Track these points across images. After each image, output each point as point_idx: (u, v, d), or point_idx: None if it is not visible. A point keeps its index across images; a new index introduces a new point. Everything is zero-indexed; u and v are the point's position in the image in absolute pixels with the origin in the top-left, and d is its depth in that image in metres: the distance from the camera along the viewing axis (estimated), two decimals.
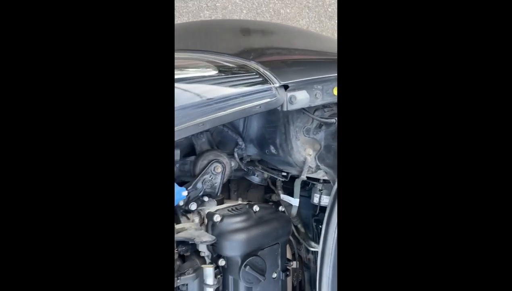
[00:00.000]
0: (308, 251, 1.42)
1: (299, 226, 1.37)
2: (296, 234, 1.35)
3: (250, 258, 0.94)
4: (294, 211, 1.24)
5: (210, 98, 0.68)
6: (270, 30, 1.38)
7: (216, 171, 0.99)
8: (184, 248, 0.96)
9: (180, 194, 0.86)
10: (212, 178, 1.00)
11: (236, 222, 1.01)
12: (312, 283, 1.48)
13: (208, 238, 0.91)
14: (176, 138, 0.66)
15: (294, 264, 1.34)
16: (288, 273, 1.12)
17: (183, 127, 0.66)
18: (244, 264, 0.92)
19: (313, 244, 1.35)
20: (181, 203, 0.99)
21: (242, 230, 0.99)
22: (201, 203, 1.04)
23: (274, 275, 1.06)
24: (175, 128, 0.65)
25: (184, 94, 0.68)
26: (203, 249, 0.99)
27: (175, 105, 0.65)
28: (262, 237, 1.01)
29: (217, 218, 0.95)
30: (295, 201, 1.23)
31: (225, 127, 1.06)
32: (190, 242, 0.98)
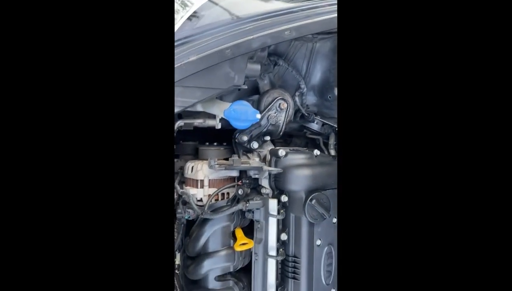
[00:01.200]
0: None
1: None
2: None
3: (316, 193, 0.92)
4: None
5: (298, 6, 0.66)
6: None
7: (282, 107, 0.98)
8: (247, 181, 0.96)
9: (254, 115, 0.86)
10: (276, 115, 0.99)
11: (300, 158, 0.99)
12: None
13: (275, 169, 0.90)
14: (261, 46, 0.66)
15: None
16: None
17: (268, 33, 0.65)
18: (310, 198, 0.90)
19: None
20: (245, 139, 0.99)
21: (306, 166, 0.97)
22: (262, 143, 1.04)
23: (335, 220, 1.04)
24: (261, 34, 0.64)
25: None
26: (266, 185, 0.98)
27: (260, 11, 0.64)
28: (326, 177, 0.99)
29: (281, 152, 0.94)
30: None
31: (290, 67, 1.05)
32: (253, 176, 0.98)
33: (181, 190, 0.95)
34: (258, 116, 0.88)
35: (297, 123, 1.27)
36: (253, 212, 0.90)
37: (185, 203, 1.00)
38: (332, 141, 1.31)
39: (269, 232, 0.92)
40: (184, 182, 1.02)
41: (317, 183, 0.97)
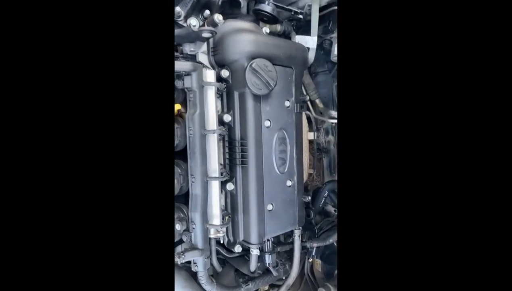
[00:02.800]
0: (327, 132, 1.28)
1: (317, 101, 1.22)
2: (311, 108, 1.20)
3: (258, 58, 0.80)
4: (311, 55, 1.08)
5: None
6: None
7: None
8: (181, 55, 0.83)
9: None
10: None
11: (241, 23, 0.86)
12: (332, 168, 1.34)
13: (208, 28, 0.77)
14: None
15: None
16: (303, 108, 0.97)
17: None
18: (251, 63, 0.78)
19: (332, 112, 1.20)
20: (177, 10, 0.86)
21: (248, 30, 0.85)
22: (203, 20, 0.91)
23: (287, 103, 0.92)
24: None
25: None
26: (204, 61, 0.86)
27: None
28: (272, 47, 0.86)
29: (218, 17, 0.81)
30: (312, 42, 1.07)
31: None
32: (190, 52, 0.85)
33: None
34: None
35: (249, 16, 1.14)
36: (183, 79, 0.78)
37: None
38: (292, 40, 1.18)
39: (207, 104, 0.80)
40: None
41: (261, 49, 0.84)
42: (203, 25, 0.88)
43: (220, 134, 0.83)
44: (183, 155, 0.85)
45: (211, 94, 0.80)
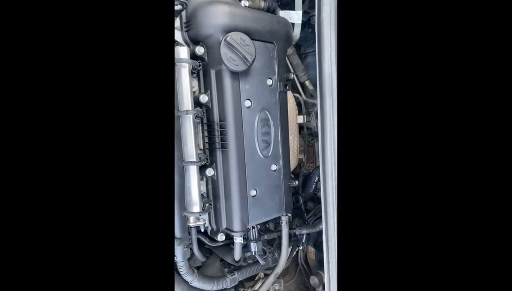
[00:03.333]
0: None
1: (307, 82, 1.16)
2: (301, 90, 1.14)
3: (233, 32, 0.74)
4: (297, 31, 1.02)
5: None
6: None
7: None
8: None
9: None
10: None
11: None
12: None
13: (179, 2, 0.71)
14: None
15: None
16: (288, 87, 0.92)
17: None
18: (226, 36, 0.73)
19: None
20: None
21: (223, 2, 0.79)
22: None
23: (270, 82, 0.86)
24: None
25: None
26: (179, 38, 0.80)
27: None
28: (250, 20, 0.80)
29: None
30: (297, 16, 1.00)
31: None
32: None
33: None
34: None
35: None
36: None
37: None
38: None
39: (180, 84, 0.75)
40: None
41: (238, 22, 0.77)
42: None
43: (197, 116, 0.78)
44: None
45: (184, 73, 0.74)
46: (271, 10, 1.08)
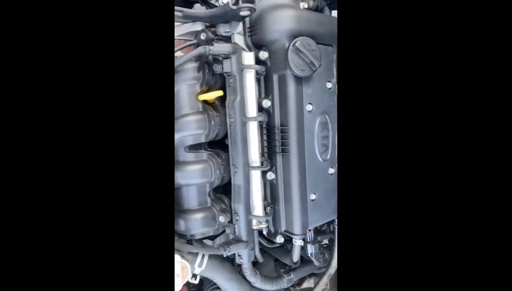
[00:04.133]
0: None
1: None
2: None
3: (301, 37, 0.74)
4: None
5: None
6: None
7: None
8: (216, 37, 0.78)
9: None
10: None
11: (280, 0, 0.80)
12: None
13: (246, 5, 0.71)
14: None
15: None
16: None
17: None
18: (294, 42, 0.72)
19: None
20: None
21: (289, 6, 0.78)
22: None
23: (329, 85, 0.86)
24: None
25: None
26: (240, 42, 0.80)
27: None
28: (315, 24, 0.79)
29: None
30: None
31: None
32: (224, 33, 0.79)
33: None
34: None
35: None
36: (222, 63, 0.73)
37: None
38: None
39: (246, 90, 0.75)
40: None
41: (303, 27, 0.77)
42: (237, 2, 0.82)
43: (259, 121, 0.79)
44: (222, 144, 0.81)
45: (250, 79, 0.74)
46: (319, 9, 1.06)
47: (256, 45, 0.80)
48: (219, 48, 0.68)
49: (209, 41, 0.69)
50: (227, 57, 0.71)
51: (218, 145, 0.83)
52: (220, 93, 0.73)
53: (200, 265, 0.76)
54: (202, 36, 0.69)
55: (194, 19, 0.74)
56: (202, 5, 0.76)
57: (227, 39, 0.81)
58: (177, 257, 0.70)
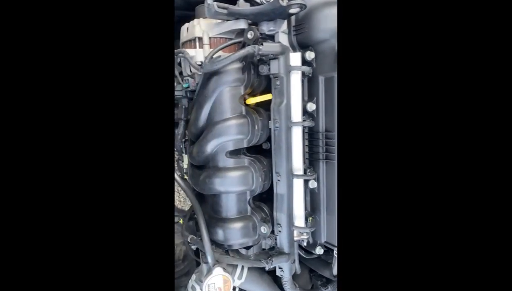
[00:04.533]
0: None
1: None
2: None
3: None
4: None
5: None
6: None
7: None
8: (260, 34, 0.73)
9: None
10: None
11: None
12: None
13: (297, 2, 0.66)
14: None
15: None
16: None
17: None
18: None
19: None
20: None
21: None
22: None
23: None
24: None
25: None
26: (284, 41, 0.76)
27: None
28: None
29: None
30: None
31: None
32: (268, 32, 0.75)
33: (175, 50, 0.74)
34: None
35: None
36: (269, 64, 0.68)
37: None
38: None
39: (292, 92, 0.70)
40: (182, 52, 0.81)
41: None
42: None
43: (303, 126, 0.74)
44: (260, 148, 0.77)
45: (297, 81, 0.70)
46: None
47: (302, 45, 0.75)
48: (269, 48, 0.64)
49: (256, 41, 0.65)
50: (274, 57, 0.67)
51: (256, 150, 0.79)
52: (269, 96, 0.68)
53: (239, 277, 0.72)
54: (250, 35, 0.65)
55: (238, 16, 0.69)
56: (245, 1, 0.71)
57: (270, 37, 0.77)
58: (219, 270, 0.66)
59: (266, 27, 0.75)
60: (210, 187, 0.72)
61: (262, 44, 0.63)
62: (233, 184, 0.72)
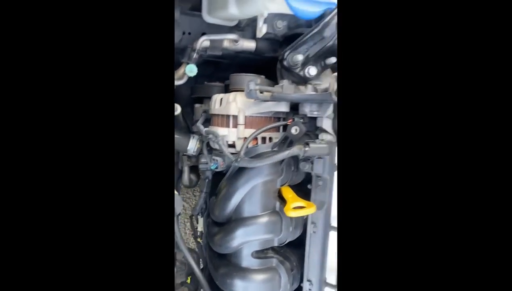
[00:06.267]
0: None
1: None
2: None
3: None
4: None
5: None
6: None
7: None
8: (302, 119, 0.66)
9: None
10: None
11: None
12: None
13: None
14: None
15: None
16: None
17: None
18: None
19: None
20: (299, 58, 0.67)
21: None
22: (322, 69, 0.72)
23: None
24: None
25: None
26: (328, 127, 0.67)
27: None
28: None
29: None
30: None
31: None
32: (310, 114, 0.67)
33: (205, 129, 0.67)
34: None
35: None
36: (312, 163, 0.60)
37: (211, 150, 0.73)
38: None
39: (335, 194, 0.62)
40: (209, 120, 0.74)
41: None
42: (320, 73, 0.70)
43: None
44: (294, 247, 0.68)
45: None
46: None
47: None
48: (317, 150, 0.56)
49: (300, 136, 0.57)
50: (319, 157, 0.59)
51: (289, 244, 0.71)
52: (312, 210, 0.60)
53: None
54: (294, 131, 0.57)
55: (284, 100, 0.62)
56: (290, 84, 0.64)
57: (312, 120, 0.69)
58: None
59: (309, 109, 0.67)
60: (231, 289, 0.64)
61: (308, 146, 0.55)
62: (256, 289, 0.63)
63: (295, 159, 0.63)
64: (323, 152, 0.57)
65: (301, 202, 0.58)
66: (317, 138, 0.69)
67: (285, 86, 0.64)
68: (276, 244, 0.65)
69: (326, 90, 0.70)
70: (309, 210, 0.57)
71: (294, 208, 0.57)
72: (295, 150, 0.55)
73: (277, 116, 0.71)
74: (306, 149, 0.55)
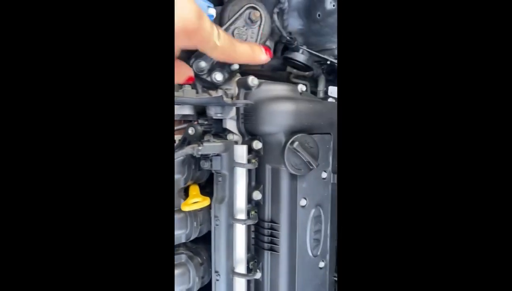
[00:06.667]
0: None
1: None
2: None
3: (299, 135, 0.67)
4: None
5: None
6: None
7: (252, 17, 0.70)
8: (206, 122, 0.70)
9: (207, 10, 0.58)
10: (246, 29, 0.72)
11: (278, 89, 0.74)
12: None
13: (243, 101, 0.64)
14: None
15: None
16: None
17: None
18: (291, 140, 0.66)
19: None
20: (203, 65, 0.72)
21: (287, 98, 0.72)
22: (228, 75, 0.77)
23: (324, 175, 0.80)
24: None
25: None
26: (233, 128, 0.73)
27: None
28: (313, 116, 0.74)
29: (253, 81, 0.68)
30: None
31: None
32: (215, 116, 0.72)
33: None
34: (212, 12, 0.60)
35: (276, 59, 1.01)
36: (211, 160, 0.65)
37: None
38: (321, 87, 1.06)
39: (236, 189, 0.67)
40: None
41: (302, 122, 0.71)
42: (229, 79, 0.75)
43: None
44: (203, 241, 0.72)
45: (242, 177, 0.67)
46: (314, 77, 1.03)
47: (250, 133, 0.73)
48: (209, 149, 0.60)
49: (197, 137, 0.61)
50: (217, 154, 0.64)
51: (198, 242, 0.74)
52: (207, 203, 0.65)
53: None
54: (190, 131, 0.61)
55: (183, 104, 0.66)
56: (201, 88, 0.68)
57: (218, 121, 0.74)
58: None
59: (213, 111, 0.72)
60: None
61: (202, 145, 0.60)
62: None
63: (196, 159, 0.67)
64: (218, 150, 0.62)
65: (198, 197, 0.62)
66: (226, 138, 0.74)
67: (186, 91, 0.68)
68: (184, 240, 0.68)
69: (233, 94, 0.76)
70: (202, 203, 0.61)
71: (191, 203, 0.61)
72: (188, 149, 0.59)
73: (187, 119, 0.75)
74: (200, 147, 0.59)
